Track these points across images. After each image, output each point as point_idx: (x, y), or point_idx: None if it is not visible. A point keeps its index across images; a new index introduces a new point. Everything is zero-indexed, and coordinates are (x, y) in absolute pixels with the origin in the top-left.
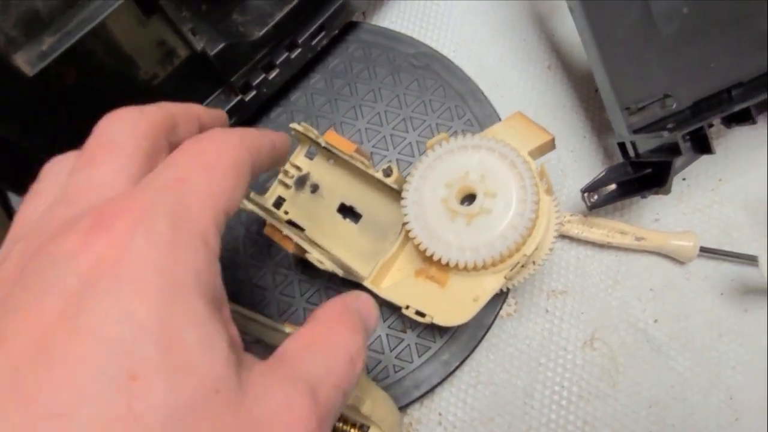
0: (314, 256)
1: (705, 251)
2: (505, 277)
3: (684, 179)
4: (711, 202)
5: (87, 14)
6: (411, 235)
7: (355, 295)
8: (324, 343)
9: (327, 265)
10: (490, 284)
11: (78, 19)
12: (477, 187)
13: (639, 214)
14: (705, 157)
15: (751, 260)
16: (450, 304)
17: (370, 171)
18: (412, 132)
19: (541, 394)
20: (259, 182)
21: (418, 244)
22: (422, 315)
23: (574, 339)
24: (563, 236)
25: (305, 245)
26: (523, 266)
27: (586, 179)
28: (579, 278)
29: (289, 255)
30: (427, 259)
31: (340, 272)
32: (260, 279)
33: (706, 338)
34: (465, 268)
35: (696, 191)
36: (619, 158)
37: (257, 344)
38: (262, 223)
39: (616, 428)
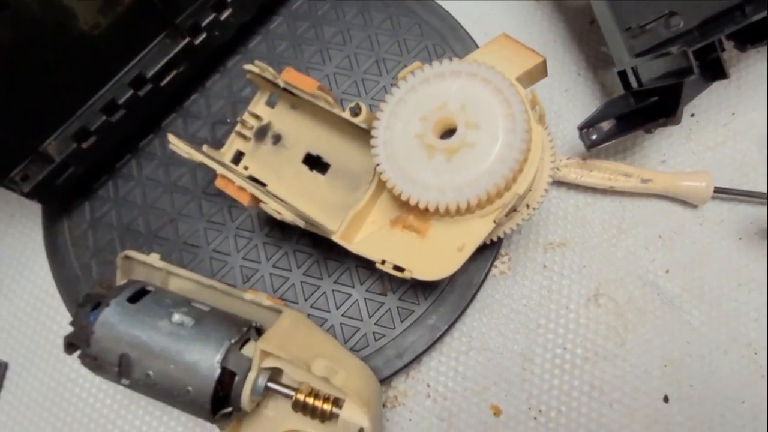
0: (271, 206)
1: (720, 192)
2: (495, 221)
3: (692, 115)
4: (724, 139)
5: None
6: (383, 177)
7: None
8: None
9: (286, 216)
10: (477, 230)
11: None
12: (457, 118)
13: (644, 155)
14: (716, 90)
15: None
16: (432, 256)
17: (336, 111)
18: (385, 75)
19: (541, 358)
20: (217, 137)
21: (392, 188)
22: (401, 270)
23: (576, 296)
24: (560, 183)
25: (261, 195)
26: (515, 210)
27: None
28: (579, 228)
29: (252, 216)
30: (404, 206)
31: (301, 223)
32: (220, 244)
33: (723, 288)
34: (447, 213)
35: (707, 127)
36: (619, 94)
37: (211, 312)
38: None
39: (626, 391)
